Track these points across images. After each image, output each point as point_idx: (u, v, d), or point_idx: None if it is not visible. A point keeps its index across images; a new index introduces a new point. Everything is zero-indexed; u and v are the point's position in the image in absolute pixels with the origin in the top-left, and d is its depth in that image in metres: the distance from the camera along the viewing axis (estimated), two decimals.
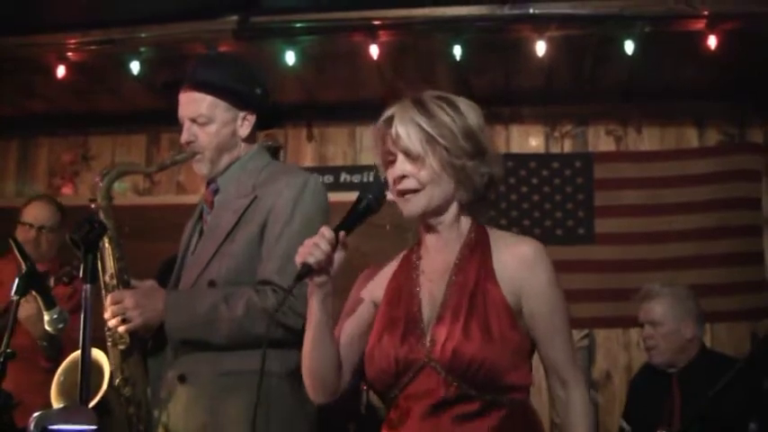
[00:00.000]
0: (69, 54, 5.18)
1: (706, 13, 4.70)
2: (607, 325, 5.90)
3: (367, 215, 2.39)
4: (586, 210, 6.07)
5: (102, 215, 3.12)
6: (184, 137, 3.19)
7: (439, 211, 2.43)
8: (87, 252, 2.34)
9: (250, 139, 3.31)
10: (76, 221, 2.42)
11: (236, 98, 3.24)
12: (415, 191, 2.39)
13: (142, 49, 5.12)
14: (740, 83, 5.64)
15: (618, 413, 4.96)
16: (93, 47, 5.11)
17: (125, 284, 3.11)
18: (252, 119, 3.27)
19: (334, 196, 6.24)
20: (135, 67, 5.21)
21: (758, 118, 6.03)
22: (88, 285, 2.32)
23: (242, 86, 3.26)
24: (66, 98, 5.90)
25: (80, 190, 6.51)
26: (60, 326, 3.09)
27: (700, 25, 4.79)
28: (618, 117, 6.19)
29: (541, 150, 6.22)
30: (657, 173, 6.03)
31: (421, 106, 2.40)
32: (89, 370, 2.34)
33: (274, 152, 4.39)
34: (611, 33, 4.90)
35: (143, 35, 5.00)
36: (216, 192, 3.26)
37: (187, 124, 3.20)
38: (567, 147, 6.24)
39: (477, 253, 2.42)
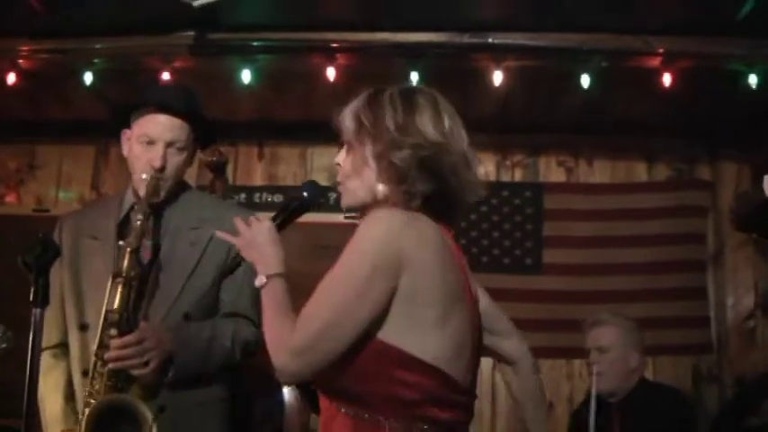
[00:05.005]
0: (20, 61, 5.07)
1: (662, 50, 4.74)
2: (551, 355, 5.89)
3: (299, 213, 2.45)
4: (535, 240, 6.09)
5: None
6: (160, 161, 3.20)
7: (369, 206, 2.34)
8: (39, 275, 2.31)
9: None
10: (30, 244, 2.38)
11: (202, 132, 3.38)
12: (340, 183, 2.40)
13: (96, 61, 5.03)
14: (692, 120, 5.71)
15: None
16: (45, 55, 5.02)
17: (134, 326, 3.08)
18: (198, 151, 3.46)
19: None
20: (88, 78, 5.12)
21: (707, 156, 6.11)
22: (38, 309, 2.29)
23: (206, 120, 3.40)
24: (14, 105, 5.78)
25: (24, 200, 6.38)
26: (3, 345, 3.03)
27: (655, 62, 4.83)
28: (570, 149, 6.22)
29: (492, 178, 6.22)
30: (607, 205, 6.07)
31: (371, 96, 2.40)
32: (34, 392, 2.29)
33: (222, 167, 4.37)
34: (568, 66, 4.93)
35: (97, 46, 4.91)
36: (147, 217, 3.24)
37: (162, 148, 3.21)
38: (518, 176, 6.26)
39: None
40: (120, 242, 3.12)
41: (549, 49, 4.80)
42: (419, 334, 2.17)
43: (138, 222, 3.12)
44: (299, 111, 5.76)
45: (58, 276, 3.19)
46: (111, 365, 2.99)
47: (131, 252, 3.07)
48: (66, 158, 6.38)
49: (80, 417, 3.02)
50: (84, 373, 3.12)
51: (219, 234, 2.46)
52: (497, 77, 4.99)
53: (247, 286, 3.22)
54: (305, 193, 2.41)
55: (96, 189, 6.31)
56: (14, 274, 2.56)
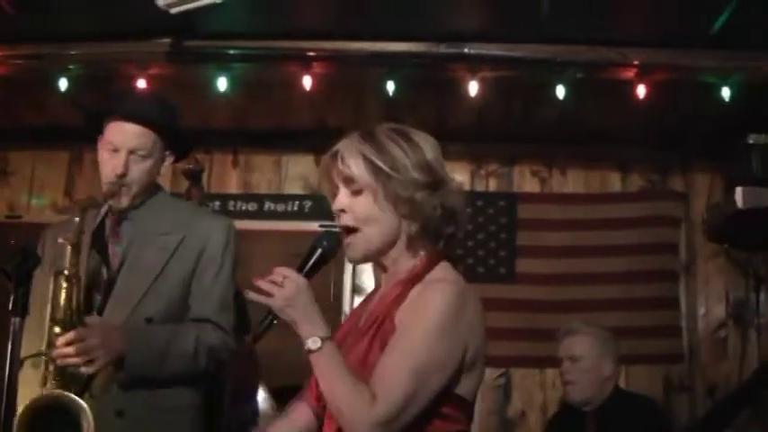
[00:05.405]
0: None
1: (636, 62, 4.79)
2: (524, 364, 5.92)
3: (321, 265, 2.34)
4: (509, 249, 6.11)
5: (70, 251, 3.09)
6: (121, 168, 3.20)
7: (383, 251, 2.36)
8: (18, 284, 2.30)
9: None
10: (10, 252, 2.37)
11: (172, 140, 3.37)
12: (351, 229, 2.33)
13: (71, 67, 5.00)
14: (665, 132, 5.76)
15: None
16: (20, 61, 4.98)
17: (79, 323, 3.04)
18: (171, 159, 3.44)
19: (258, 224, 6.22)
20: (63, 84, 5.09)
21: (680, 167, 6.17)
22: (17, 318, 2.28)
23: (178, 129, 3.41)
24: None
25: None
26: None
27: (630, 74, 4.88)
28: (544, 159, 6.25)
29: (466, 188, 6.21)
30: (580, 215, 6.11)
31: (369, 138, 2.33)
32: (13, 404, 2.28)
33: (198, 175, 4.37)
34: (544, 77, 4.96)
35: (73, 52, 4.89)
36: (119, 223, 3.31)
37: (125, 155, 3.21)
38: (493, 186, 6.29)
39: (397, 293, 2.32)
40: (60, 240, 3.11)
41: (525, 60, 4.83)
42: (467, 381, 2.27)
43: (77, 219, 3.11)
44: (274, 119, 5.76)
45: (42, 285, 3.18)
46: (58, 362, 2.96)
47: (72, 248, 3.07)
48: (40, 164, 6.33)
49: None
50: None
51: (252, 296, 2.24)
52: (473, 88, 5.02)
53: (215, 291, 3.26)
54: (325, 242, 2.34)
55: (69, 195, 6.26)
56: None
